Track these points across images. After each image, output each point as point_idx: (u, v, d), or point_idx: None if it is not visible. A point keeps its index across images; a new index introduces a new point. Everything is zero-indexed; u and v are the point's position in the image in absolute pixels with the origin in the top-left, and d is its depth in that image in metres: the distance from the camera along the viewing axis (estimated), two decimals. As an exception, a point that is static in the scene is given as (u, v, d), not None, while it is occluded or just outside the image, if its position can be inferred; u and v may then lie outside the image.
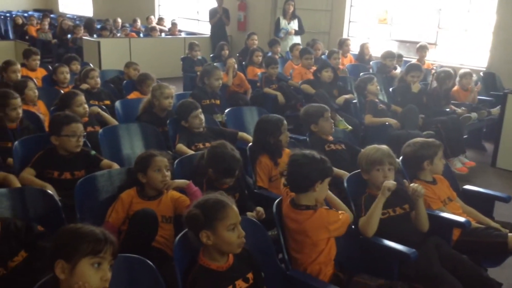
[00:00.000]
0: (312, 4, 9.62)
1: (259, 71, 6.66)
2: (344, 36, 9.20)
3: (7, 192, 2.49)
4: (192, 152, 3.58)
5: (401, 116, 5.07)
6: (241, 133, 4.01)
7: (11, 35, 11.52)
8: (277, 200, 2.57)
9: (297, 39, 8.59)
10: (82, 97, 3.95)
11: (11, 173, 3.03)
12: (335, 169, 3.42)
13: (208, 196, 2.12)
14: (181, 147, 3.68)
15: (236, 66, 6.34)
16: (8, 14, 13.52)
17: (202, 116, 3.84)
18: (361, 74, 6.28)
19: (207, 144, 3.76)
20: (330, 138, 3.83)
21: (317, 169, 2.43)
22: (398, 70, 6.91)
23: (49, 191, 2.60)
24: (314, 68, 6.32)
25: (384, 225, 2.62)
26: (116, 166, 3.17)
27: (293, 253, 2.46)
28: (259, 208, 2.88)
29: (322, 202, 2.52)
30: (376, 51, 8.15)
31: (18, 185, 2.84)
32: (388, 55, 6.96)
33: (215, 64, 6.91)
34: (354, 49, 8.40)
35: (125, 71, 5.86)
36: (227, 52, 7.66)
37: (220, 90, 5.35)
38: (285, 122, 3.49)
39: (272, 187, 3.27)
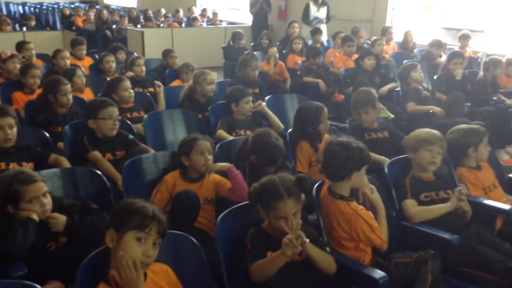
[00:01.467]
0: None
1: (299, 59, 6.65)
2: (387, 24, 9.02)
3: (59, 172, 2.62)
4: (232, 137, 3.65)
5: (446, 104, 4.95)
6: (279, 124, 4.01)
7: (58, 26, 11.91)
8: (317, 184, 2.58)
9: (323, 28, 8.47)
10: (127, 83, 4.08)
11: (61, 155, 3.19)
12: (375, 155, 3.43)
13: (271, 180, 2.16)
14: (222, 133, 3.75)
15: (277, 55, 6.34)
16: (56, 6, 14.01)
17: (252, 104, 3.89)
18: (404, 61, 6.16)
19: (248, 132, 3.82)
20: (374, 125, 3.79)
21: (353, 159, 2.37)
22: (443, 58, 6.73)
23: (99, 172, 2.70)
24: (356, 56, 6.26)
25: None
26: (151, 150, 3.21)
27: (331, 238, 2.48)
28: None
29: (359, 186, 2.49)
30: (420, 39, 7.95)
31: (69, 166, 2.98)
32: (436, 43, 6.79)
33: (255, 53, 6.97)
34: (397, 37, 8.22)
35: (164, 60, 6.01)
36: (267, 41, 7.67)
37: (260, 78, 5.39)
38: (325, 110, 3.47)
39: (312, 172, 3.29)
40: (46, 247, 2.25)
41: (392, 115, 4.90)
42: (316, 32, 7.87)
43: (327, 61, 6.90)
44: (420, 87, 5.21)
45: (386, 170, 2.92)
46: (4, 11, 14.22)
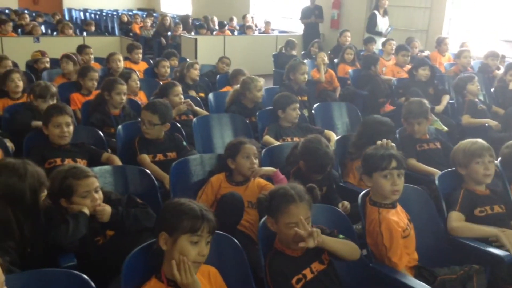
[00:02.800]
0: (410, 1, 9.28)
1: (350, 69, 6.58)
2: (444, 34, 8.77)
3: (110, 169, 2.72)
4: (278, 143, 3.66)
5: (504, 118, 4.75)
6: (327, 131, 3.98)
7: (116, 32, 12.38)
8: (362, 193, 2.54)
9: (379, 39, 8.29)
10: (179, 88, 4.18)
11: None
12: (426, 167, 3.35)
13: (281, 186, 2.15)
14: (268, 138, 3.77)
15: (326, 60, 6.30)
16: (115, 13, 14.57)
17: (298, 111, 3.90)
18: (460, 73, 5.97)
19: (295, 139, 3.82)
20: (426, 136, 3.68)
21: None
22: (502, 71, 6.47)
23: (148, 171, 2.78)
24: (409, 66, 6.12)
25: (479, 223, 2.51)
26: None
27: (373, 247, 2.43)
28: (345, 202, 2.87)
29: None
30: (477, 51, 7.68)
31: (120, 164, 3.08)
32: (491, 54, 6.54)
33: (304, 61, 6.96)
34: (453, 48, 7.98)
35: (217, 65, 6.13)
36: (316, 50, 7.65)
37: (309, 86, 5.37)
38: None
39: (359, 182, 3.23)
40: (95, 241, 2.33)
41: (446, 128, 4.75)
42: (370, 41, 7.77)
43: (379, 71, 6.78)
44: (476, 100, 5.04)
45: (436, 182, 2.84)
46: (67, 17, 14.96)
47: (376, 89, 5.68)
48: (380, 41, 7.99)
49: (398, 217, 2.36)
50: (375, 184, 2.39)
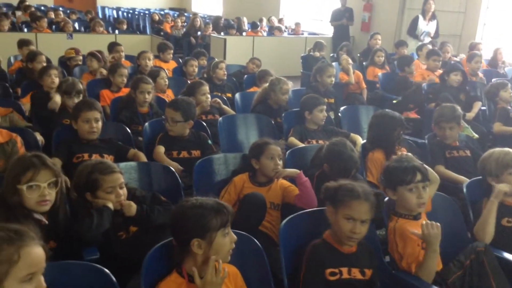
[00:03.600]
0: (443, 5, 9.09)
1: (379, 72, 6.50)
2: (477, 40, 8.57)
3: (135, 165, 2.76)
4: (303, 145, 3.64)
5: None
6: (353, 135, 3.94)
7: (148, 30, 12.55)
8: (387, 198, 2.50)
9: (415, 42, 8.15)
10: (206, 87, 4.21)
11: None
12: (454, 174, 3.28)
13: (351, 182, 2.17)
14: (293, 140, 3.75)
15: (351, 61, 6.23)
16: (147, 12, 14.78)
17: (325, 114, 3.87)
18: (493, 79, 5.82)
19: (320, 142, 3.80)
20: (456, 143, 3.60)
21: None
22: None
23: (172, 169, 2.81)
24: (440, 71, 6.01)
25: (506, 235, 2.44)
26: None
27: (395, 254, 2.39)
28: None
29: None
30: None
31: (146, 160, 3.12)
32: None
33: (332, 63, 6.91)
34: (487, 54, 7.80)
35: (247, 65, 6.15)
36: (344, 53, 7.59)
37: (335, 88, 5.33)
38: (402, 118, 3.39)
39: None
40: (118, 236, 2.37)
41: (476, 135, 4.64)
42: (401, 44, 7.65)
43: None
44: (509, 107, 4.90)
45: (464, 190, 2.78)
46: (100, 15, 15.26)
47: (411, 94, 5.58)
48: (412, 44, 7.87)
49: (418, 229, 2.31)
50: (400, 197, 2.35)
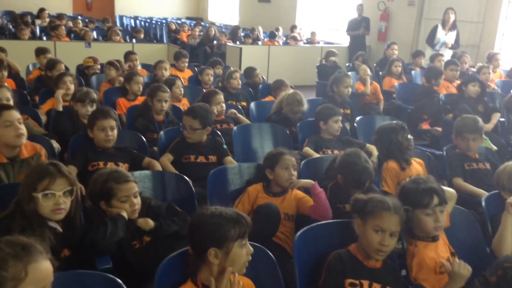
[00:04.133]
0: (461, 15, 9.01)
1: (396, 82, 6.44)
2: (496, 50, 8.47)
3: (150, 174, 2.76)
4: (318, 155, 3.61)
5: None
6: (368, 145, 3.89)
7: (165, 39, 12.67)
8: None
9: (448, 54, 8.05)
10: (221, 96, 4.21)
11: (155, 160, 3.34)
12: (472, 187, 3.22)
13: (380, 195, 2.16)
14: (308, 150, 3.73)
15: (369, 72, 6.19)
16: (164, 21, 14.93)
17: (341, 124, 3.85)
18: (512, 90, 5.74)
19: (336, 152, 3.76)
20: (475, 155, 3.54)
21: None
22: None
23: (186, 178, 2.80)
24: (458, 82, 5.94)
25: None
26: None
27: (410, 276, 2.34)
28: None
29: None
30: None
31: (160, 169, 3.12)
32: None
33: (348, 73, 6.87)
34: (506, 65, 7.69)
35: (249, 80, 6.09)
36: (360, 63, 7.55)
37: (351, 98, 5.29)
38: (404, 125, 3.34)
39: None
40: (131, 245, 2.36)
41: (495, 147, 4.55)
42: (418, 55, 7.59)
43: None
44: (529, 119, 4.82)
45: (483, 204, 2.72)
46: (118, 23, 15.46)
47: (428, 105, 5.51)
48: (429, 53, 7.79)
49: (436, 251, 2.26)
50: (417, 220, 2.29)
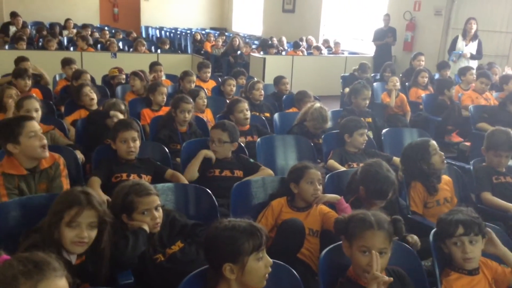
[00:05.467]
0: (488, 25, 8.82)
1: (423, 93, 6.31)
2: (527, 60, 8.25)
3: (173, 186, 2.73)
4: (344, 169, 3.53)
5: None
6: (395, 158, 3.78)
7: (189, 50, 12.77)
8: (435, 230, 2.35)
9: (472, 64, 7.87)
10: (245, 104, 4.17)
11: (178, 171, 3.32)
12: (502, 202, 3.11)
13: (362, 211, 2.06)
14: (333, 163, 3.65)
15: (398, 86, 6.08)
16: (188, 31, 15.07)
17: (366, 137, 3.77)
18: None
19: (361, 165, 3.67)
20: (502, 169, 3.42)
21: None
22: None
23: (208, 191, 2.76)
24: (488, 94, 5.79)
25: None
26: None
27: None
28: (414, 237, 2.67)
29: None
30: None
31: (186, 182, 3.09)
32: None
33: (375, 84, 6.76)
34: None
35: (276, 87, 6.09)
36: (389, 74, 7.43)
37: (377, 108, 5.19)
38: (432, 142, 3.24)
39: (428, 214, 3.05)
40: (153, 259, 2.32)
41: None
42: (443, 66, 7.43)
43: (455, 98, 6.45)
44: None
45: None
46: (144, 34, 15.66)
47: (449, 115, 5.38)
48: (455, 66, 7.63)
49: (471, 286, 2.16)
50: (449, 250, 2.22)
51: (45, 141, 2.73)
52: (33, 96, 3.86)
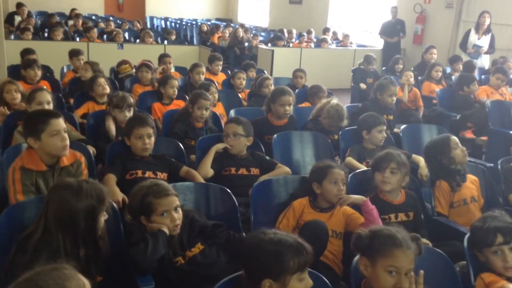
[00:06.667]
0: (501, 18, 8.66)
1: (436, 88, 6.19)
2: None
3: (192, 186, 2.64)
4: (363, 166, 3.44)
5: None
6: (415, 156, 3.67)
7: (195, 41, 12.61)
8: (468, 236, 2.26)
9: (485, 59, 7.74)
10: (289, 98, 4.01)
11: (191, 167, 3.23)
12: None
13: (386, 227, 1.93)
14: (351, 160, 3.56)
15: (412, 81, 5.95)
16: (194, 22, 14.90)
17: (385, 134, 3.66)
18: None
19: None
20: None
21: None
22: None
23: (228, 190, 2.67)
24: (504, 89, 5.67)
25: None
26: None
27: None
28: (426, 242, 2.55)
29: None
30: None
31: (201, 179, 3.00)
32: None
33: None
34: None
35: (293, 81, 5.97)
36: (401, 66, 7.32)
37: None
38: (453, 137, 3.18)
39: (454, 214, 2.95)
40: (173, 262, 2.24)
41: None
42: (455, 60, 7.30)
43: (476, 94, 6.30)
44: None
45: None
46: (149, 25, 15.50)
47: (476, 114, 5.25)
48: (465, 59, 7.50)
49: None
50: (487, 260, 2.14)
51: (67, 142, 2.63)
52: (45, 89, 3.77)
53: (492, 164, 3.65)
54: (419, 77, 6.91)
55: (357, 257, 1.95)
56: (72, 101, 4.68)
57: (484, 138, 5.05)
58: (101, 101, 4.34)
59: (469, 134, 5.41)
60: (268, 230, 1.76)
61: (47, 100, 3.52)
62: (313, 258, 1.71)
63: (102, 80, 4.35)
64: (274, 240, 1.68)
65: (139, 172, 2.99)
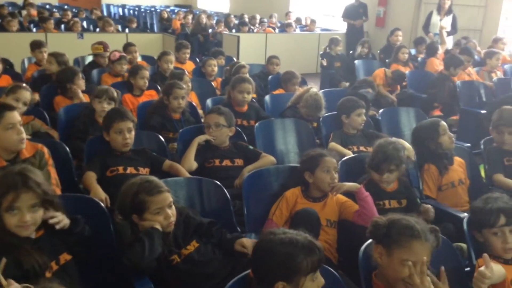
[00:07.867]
0: (462, -1, 8.85)
1: (403, 70, 6.24)
2: (499, 34, 8.32)
3: (183, 181, 2.54)
4: (348, 151, 3.42)
5: None
6: (395, 139, 3.68)
7: (155, 28, 12.29)
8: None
9: (448, 40, 7.88)
10: (249, 86, 4.02)
11: (173, 160, 3.12)
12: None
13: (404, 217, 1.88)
14: (334, 145, 3.53)
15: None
16: (153, 9, 14.51)
17: (364, 117, 3.65)
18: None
19: (362, 148, 3.58)
20: None
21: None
22: None
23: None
24: (470, 69, 5.78)
25: None
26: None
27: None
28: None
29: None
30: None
31: (186, 173, 2.90)
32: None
33: (356, 61, 6.66)
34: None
35: (267, 67, 5.89)
36: (366, 50, 7.37)
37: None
38: (442, 122, 3.20)
39: (442, 197, 2.98)
40: (169, 261, 2.15)
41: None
42: (420, 42, 7.40)
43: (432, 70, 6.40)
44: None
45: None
46: (105, 13, 14.98)
47: (440, 93, 5.32)
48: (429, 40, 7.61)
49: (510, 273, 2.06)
50: (486, 241, 2.14)
51: (23, 135, 2.49)
52: (25, 87, 3.49)
53: (469, 144, 3.72)
54: (386, 60, 6.98)
55: (364, 246, 1.92)
56: (37, 96, 4.42)
57: (455, 117, 5.14)
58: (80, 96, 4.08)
59: (437, 113, 5.49)
60: (277, 229, 1.70)
61: (26, 98, 3.35)
62: (324, 257, 1.66)
63: (80, 75, 4.14)
64: (285, 241, 1.62)
65: (120, 169, 2.86)
